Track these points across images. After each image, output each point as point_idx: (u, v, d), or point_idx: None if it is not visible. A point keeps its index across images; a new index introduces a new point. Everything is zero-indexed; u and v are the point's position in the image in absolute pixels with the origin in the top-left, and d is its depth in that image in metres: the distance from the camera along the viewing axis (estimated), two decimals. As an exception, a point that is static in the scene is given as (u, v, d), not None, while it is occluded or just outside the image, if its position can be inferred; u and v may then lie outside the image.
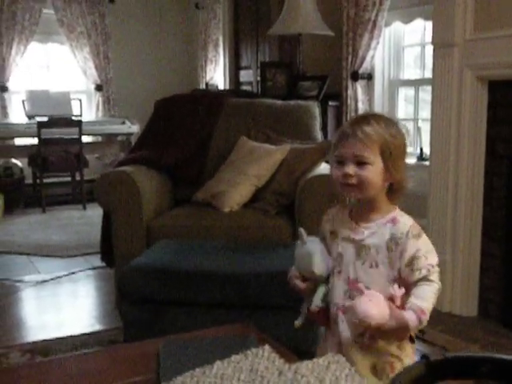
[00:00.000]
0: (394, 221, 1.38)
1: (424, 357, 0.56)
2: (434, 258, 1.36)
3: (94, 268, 3.88)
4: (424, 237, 1.37)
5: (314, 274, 1.41)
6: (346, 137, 1.37)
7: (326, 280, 1.44)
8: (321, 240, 1.49)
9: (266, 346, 1.17)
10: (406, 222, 1.38)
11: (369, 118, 1.39)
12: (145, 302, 2.24)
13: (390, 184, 1.40)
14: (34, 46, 6.59)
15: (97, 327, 2.95)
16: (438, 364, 0.55)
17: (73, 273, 3.81)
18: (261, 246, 2.56)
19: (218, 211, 2.89)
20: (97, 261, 3.77)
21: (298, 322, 1.44)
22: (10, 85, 6.38)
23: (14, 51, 6.27)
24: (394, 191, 1.41)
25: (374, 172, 1.35)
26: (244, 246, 2.55)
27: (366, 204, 1.42)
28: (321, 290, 1.43)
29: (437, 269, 1.35)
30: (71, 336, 2.80)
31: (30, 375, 1.31)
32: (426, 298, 1.32)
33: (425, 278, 1.33)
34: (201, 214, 2.89)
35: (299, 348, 1.89)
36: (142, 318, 2.25)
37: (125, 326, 2.32)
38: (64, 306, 3.39)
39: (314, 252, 1.42)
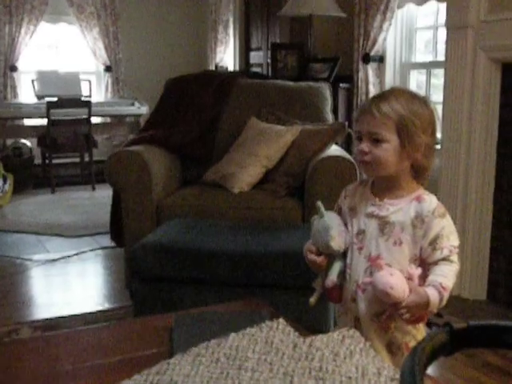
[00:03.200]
0: (419, 199, 1.36)
1: (447, 324, 0.56)
2: (455, 240, 1.34)
3: (103, 248, 3.90)
4: (448, 217, 1.35)
5: (331, 248, 1.39)
6: (364, 113, 1.35)
7: (343, 256, 1.43)
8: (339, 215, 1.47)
9: (281, 319, 1.17)
10: (432, 200, 1.36)
11: (389, 94, 1.36)
12: (155, 280, 2.25)
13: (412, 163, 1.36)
14: (44, 26, 6.57)
15: (106, 306, 2.97)
16: (461, 332, 0.54)
17: (82, 252, 3.83)
18: (270, 227, 2.56)
19: (228, 192, 2.88)
20: (106, 241, 3.80)
21: (312, 300, 1.42)
22: (20, 65, 6.38)
23: (23, 31, 6.26)
24: (416, 171, 1.38)
25: (389, 150, 1.32)
26: (254, 226, 2.55)
27: (387, 181, 1.39)
28: (337, 266, 1.41)
29: (457, 250, 1.34)
30: (81, 313, 2.82)
31: (41, 347, 1.32)
32: (447, 276, 1.30)
33: (446, 258, 1.32)
34: (210, 194, 2.88)
35: (308, 328, 1.89)
36: (152, 296, 2.26)
37: (135, 304, 2.33)
38: (73, 284, 3.42)
39: (331, 226, 1.40)
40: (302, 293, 2.15)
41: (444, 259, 1.32)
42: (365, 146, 1.34)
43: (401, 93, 1.36)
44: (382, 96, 1.36)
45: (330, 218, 1.43)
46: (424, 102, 1.37)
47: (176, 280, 2.23)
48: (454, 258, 1.32)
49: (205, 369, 0.98)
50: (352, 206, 1.45)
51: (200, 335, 1.15)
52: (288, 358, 1.01)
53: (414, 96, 1.37)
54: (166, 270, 2.21)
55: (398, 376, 0.97)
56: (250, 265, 2.15)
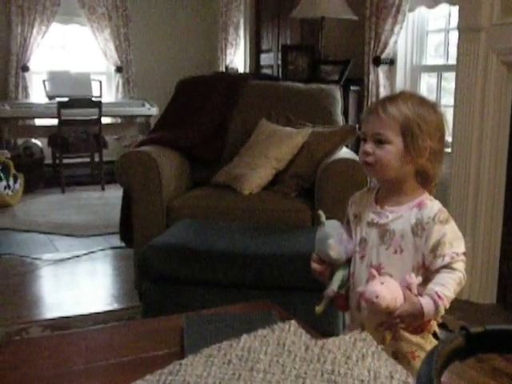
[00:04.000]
0: (420, 205, 1.33)
1: (463, 328, 0.56)
2: (459, 247, 1.29)
3: (112, 248, 3.91)
4: (452, 223, 1.31)
5: (331, 257, 1.38)
6: (370, 113, 1.34)
7: (346, 265, 1.41)
8: (346, 223, 1.46)
9: (293, 321, 1.17)
10: (433, 206, 1.32)
11: (397, 96, 1.34)
12: (165, 281, 2.25)
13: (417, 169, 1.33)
14: (55, 27, 6.60)
15: (115, 306, 2.98)
16: (478, 336, 0.54)
17: (92, 252, 3.84)
18: (280, 229, 2.56)
19: (238, 193, 2.89)
20: (115, 241, 3.80)
21: (318, 308, 1.41)
22: (31, 65, 6.42)
23: (35, 31, 6.30)
24: (421, 177, 1.35)
25: (392, 152, 1.30)
26: (263, 227, 2.55)
27: (391, 187, 1.37)
28: (339, 275, 1.39)
29: (462, 258, 1.29)
30: (90, 313, 2.83)
31: (53, 346, 1.33)
32: (445, 284, 1.25)
33: (447, 266, 1.27)
34: (220, 195, 2.89)
35: (318, 330, 1.89)
36: (161, 297, 2.26)
37: (144, 305, 2.33)
38: (83, 284, 3.43)
39: (330, 235, 1.38)
40: (312, 295, 2.15)
41: (445, 267, 1.27)
42: (368, 146, 1.32)
43: (409, 96, 1.34)
44: (390, 98, 1.35)
45: (331, 227, 1.41)
46: (433, 107, 1.34)
47: (185, 281, 2.23)
48: (458, 265, 1.28)
49: (217, 370, 0.99)
50: (357, 213, 1.44)
51: (211, 336, 1.15)
52: (300, 360, 1.01)
53: (422, 100, 1.35)
54: (175, 271, 2.21)
55: (409, 380, 0.97)
56: (260, 266, 2.15)
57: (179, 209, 2.79)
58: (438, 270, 1.28)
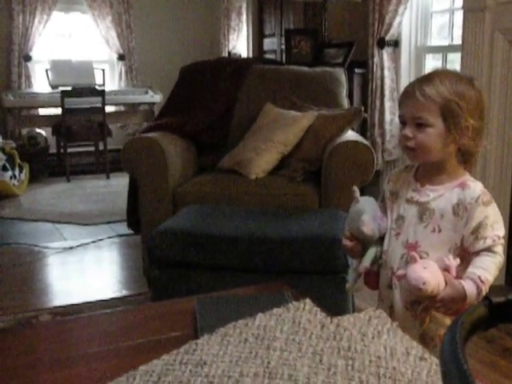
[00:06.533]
0: (463, 185, 1.30)
1: (486, 298, 0.55)
2: (500, 230, 1.28)
3: (119, 235, 3.91)
4: (494, 205, 1.29)
5: (363, 233, 1.37)
6: (407, 96, 1.31)
7: (379, 242, 1.41)
8: (381, 201, 1.45)
9: (307, 300, 1.17)
10: (476, 187, 1.30)
11: (433, 75, 1.30)
12: (173, 267, 2.25)
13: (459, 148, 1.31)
14: (57, 16, 6.58)
15: (124, 292, 2.98)
16: (501, 306, 0.54)
17: (99, 240, 3.85)
18: (288, 212, 2.55)
19: (244, 178, 2.88)
20: (122, 228, 3.81)
21: (348, 285, 1.41)
22: (34, 54, 6.40)
23: (36, 20, 6.27)
24: (463, 156, 1.32)
25: (434, 135, 1.27)
26: (270, 211, 2.54)
27: (432, 166, 1.34)
28: (371, 252, 1.39)
29: (502, 241, 1.27)
30: (99, 300, 2.84)
31: (64, 330, 1.33)
32: (487, 268, 1.24)
33: (488, 249, 1.26)
34: (227, 180, 2.88)
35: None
36: (170, 283, 2.26)
37: (153, 291, 2.34)
38: (91, 271, 3.44)
39: (364, 211, 1.38)
40: (320, 278, 2.16)
41: (486, 250, 1.26)
42: (408, 131, 1.29)
43: (446, 74, 1.30)
44: (426, 78, 1.30)
45: (365, 203, 1.41)
46: (470, 82, 1.31)
47: (194, 266, 2.23)
48: (498, 248, 1.26)
49: (233, 348, 0.99)
50: (394, 191, 1.42)
51: (223, 317, 1.15)
52: (316, 338, 1.01)
53: (459, 77, 1.31)
54: (183, 256, 2.21)
55: (426, 356, 0.97)
56: (268, 250, 2.15)
57: (186, 194, 2.78)
58: (478, 253, 1.27)
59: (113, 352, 1.15)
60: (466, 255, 1.30)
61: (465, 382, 0.44)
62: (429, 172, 1.36)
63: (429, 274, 1.21)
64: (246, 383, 0.89)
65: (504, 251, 1.25)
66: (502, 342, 2.33)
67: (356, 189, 1.43)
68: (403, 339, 1.03)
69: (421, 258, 1.28)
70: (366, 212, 1.38)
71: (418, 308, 1.29)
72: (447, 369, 0.46)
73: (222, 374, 0.91)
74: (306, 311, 1.10)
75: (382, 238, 1.41)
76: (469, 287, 1.23)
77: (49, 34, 6.59)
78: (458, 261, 1.26)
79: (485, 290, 1.23)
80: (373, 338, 1.02)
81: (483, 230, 1.26)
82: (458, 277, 1.26)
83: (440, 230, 1.31)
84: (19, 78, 6.30)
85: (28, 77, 6.39)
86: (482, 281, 1.23)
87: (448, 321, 1.32)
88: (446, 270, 1.25)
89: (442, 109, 1.27)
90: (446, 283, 1.23)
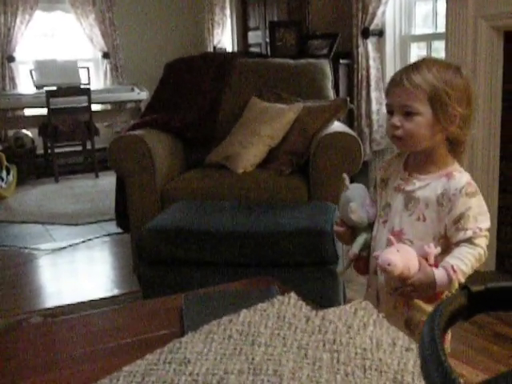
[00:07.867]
0: (449, 175, 1.30)
1: (465, 287, 0.55)
2: (484, 222, 1.27)
3: (109, 234, 3.90)
4: (479, 197, 1.29)
5: (352, 220, 1.39)
6: (394, 85, 1.30)
7: (369, 228, 1.42)
8: (373, 188, 1.46)
9: (292, 294, 1.16)
10: (462, 178, 1.30)
11: (420, 64, 1.29)
12: (162, 264, 2.25)
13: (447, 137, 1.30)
14: (39, 15, 6.52)
15: (115, 291, 2.97)
16: (480, 294, 0.53)
17: (89, 239, 3.83)
18: (276, 206, 2.54)
19: (232, 173, 2.87)
20: (112, 227, 3.79)
21: (339, 269, 1.43)
22: (17, 55, 6.34)
23: (18, 20, 6.21)
24: (451, 144, 1.32)
25: (422, 123, 1.27)
26: (259, 206, 2.54)
27: (421, 155, 1.34)
28: (360, 238, 1.41)
29: (485, 233, 1.26)
30: (90, 300, 2.83)
31: (52, 331, 1.32)
32: (462, 258, 1.24)
33: (468, 240, 1.25)
34: (214, 175, 2.87)
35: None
36: (159, 280, 2.25)
37: (143, 288, 2.33)
38: (81, 272, 3.42)
39: (352, 199, 1.40)
40: (310, 270, 2.15)
41: (467, 241, 1.26)
42: (396, 119, 1.29)
43: (433, 62, 1.30)
44: (414, 66, 1.29)
45: (354, 191, 1.43)
46: (458, 70, 1.30)
47: (183, 262, 2.22)
48: (479, 241, 1.26)
49: (218, 346, 0.98)
50: (384, 178, 1.43)
51: (210, 314, 1.14)
52: (301, 332, 1.01)
53: (447, 65, 1.31)
54: (173, 253, 2.20)
55: (412, 346, 0.97)
56: (257, 244, 2.14)
57: (174, 191, 2.77)
58: (458, 244, 1.27)
59: (99, 353, 1.14)
60: (450, 245, 1.30)
61: (442, 371, 0.43)
62: (418, 161, 1.36)
63: (398, 257, 1.22)
64: (230, 380, 0.88)
65: (491, 243, 1.24)
66: (494, 328, 2.34)
67: (346, 176, 1.44)
68: (389, 330, 1.02)
69: (401, 242, 1.29)
70: (355, 199, 1.40)
71: (395, 292, 1.30)
72: (425, 359, 0.46)
73: (206, 372, 0.91)
74: (290, 305, 1.10)
75: (372, 225, 1.42)
76: (439, 275, 1.23)
77: (32, 34, 6.53)
78: (438, 249, 1.26)
79: (457, 279, 1.23)
80: (358, 330, 1.01)
81: (465, 221, 1.26)
82: (436, 264, 1.26)
83: (425, 219, 1.31)
84: (3, 79, 6.25)
85: (12, 78, 6.33)
86: (454, 270, 1.23)
87: (427, 308, 1.33)
88: (424, 257, 1.25)
89: (430, 97, 1.26)
90: (420, 269, 1.24)
